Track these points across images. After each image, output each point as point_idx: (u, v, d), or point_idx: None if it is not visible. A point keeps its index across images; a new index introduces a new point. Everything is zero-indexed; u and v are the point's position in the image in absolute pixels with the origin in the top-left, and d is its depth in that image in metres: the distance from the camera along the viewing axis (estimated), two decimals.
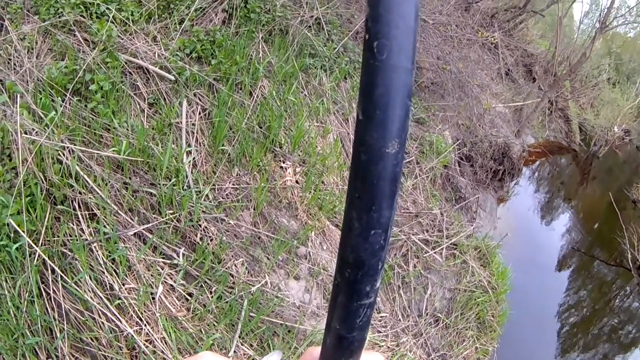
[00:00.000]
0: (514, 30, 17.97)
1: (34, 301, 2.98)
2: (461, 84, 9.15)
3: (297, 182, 5.01)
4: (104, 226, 3.41)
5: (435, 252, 5.92)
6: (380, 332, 4.72)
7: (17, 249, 3.02)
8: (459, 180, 8.17)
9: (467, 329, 5.49)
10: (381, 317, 4.88)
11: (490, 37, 11.20)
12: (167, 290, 3.49)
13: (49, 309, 3.08)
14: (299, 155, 5.24)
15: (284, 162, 5.03)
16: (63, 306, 3.10)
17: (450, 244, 6.19)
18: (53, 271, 3.15)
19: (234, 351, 3.41)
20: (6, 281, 2.99)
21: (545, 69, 17.44)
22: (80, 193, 3.46)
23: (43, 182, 3.36)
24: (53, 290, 3.13)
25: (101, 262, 3.30)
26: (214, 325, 3.48)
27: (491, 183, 9.41)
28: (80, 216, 3.43)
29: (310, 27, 6.57)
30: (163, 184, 3.82)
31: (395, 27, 0.37)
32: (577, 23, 22.20)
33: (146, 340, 3.15)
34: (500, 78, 13.64)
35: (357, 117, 0.40)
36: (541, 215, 12.16)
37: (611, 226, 10.89)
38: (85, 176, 3.50)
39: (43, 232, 3.22)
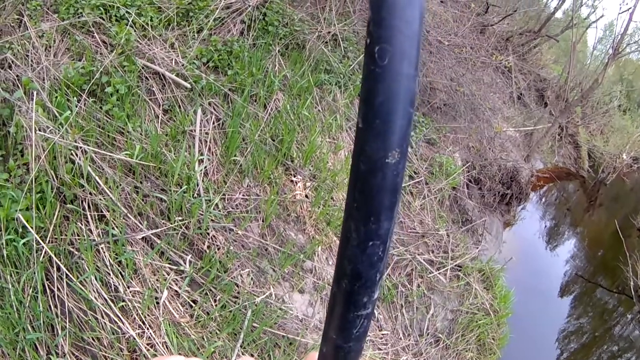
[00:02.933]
0: (528, 54, 18.01)
1: (37, 297, 3.00)
2: (473, 107, 9.16)
3: (306, 196, 5.02)
4: (113, 228, 3.42)
5: (439, 273, 5.90)
6: (381, 349, 4.70)
7: (24, 244, 3.04)
8: (466, 203, 8.15)
9: (467, 351, 5.46)
10: (382, 334, 4.86)
11: (504, 61, 11.20)
12: (172, 296, 3.50)
13: (52, 306, 3.09)
14: (310, 170, 5.26)
15: (294, 176, 5.04)
16: (66, 304, 3.11)
17: (455, 265, 6.17)
18: (59, 269, 3.16)
19: None
20: (11, 275, 3.01)
21: (557, 94, 17.41)
22: (90, 194, 3.48)
23: (54, 180, 3.38)
24: (57, 287, 3.14)
25: (107, 264, 3.31)
26: (216, 333, 3.48)
27: (498, 207, 9.39)
28: (89, 216, 3.45)
29: (327, 43, 6.61)
30: (174, 191, 3.84)
31: (398, 32, 0.35)
32: (591, 49, 22.13)
33: (148, 344, 3.15)
34: (512, 102, 13.64)
35: (357, 126, 0.39)
36: (546, 240, 12.11)
37: (615, 254, 10.80)
38: (97, 177, 3.52)
39: (51, 229, 3.24)
